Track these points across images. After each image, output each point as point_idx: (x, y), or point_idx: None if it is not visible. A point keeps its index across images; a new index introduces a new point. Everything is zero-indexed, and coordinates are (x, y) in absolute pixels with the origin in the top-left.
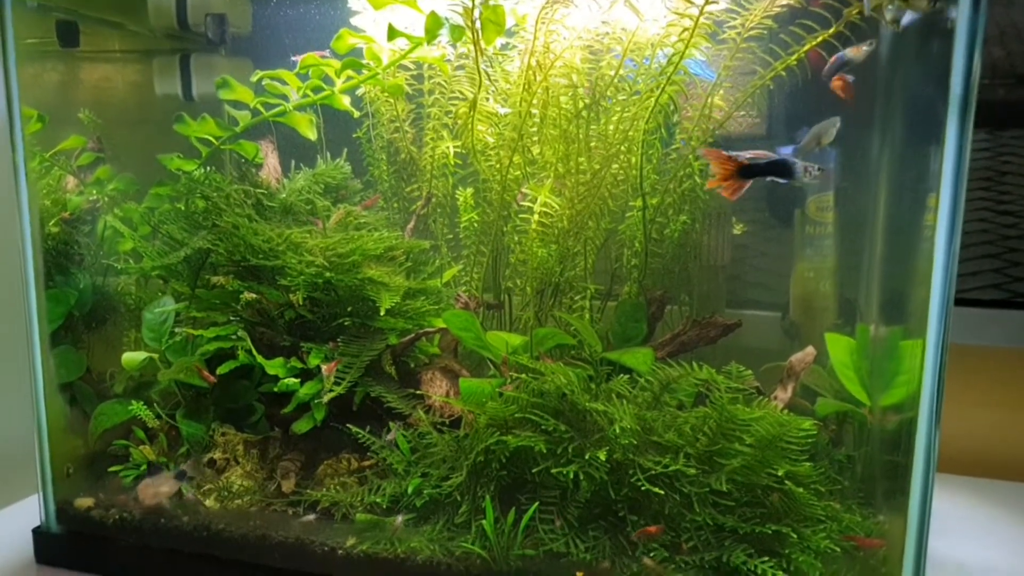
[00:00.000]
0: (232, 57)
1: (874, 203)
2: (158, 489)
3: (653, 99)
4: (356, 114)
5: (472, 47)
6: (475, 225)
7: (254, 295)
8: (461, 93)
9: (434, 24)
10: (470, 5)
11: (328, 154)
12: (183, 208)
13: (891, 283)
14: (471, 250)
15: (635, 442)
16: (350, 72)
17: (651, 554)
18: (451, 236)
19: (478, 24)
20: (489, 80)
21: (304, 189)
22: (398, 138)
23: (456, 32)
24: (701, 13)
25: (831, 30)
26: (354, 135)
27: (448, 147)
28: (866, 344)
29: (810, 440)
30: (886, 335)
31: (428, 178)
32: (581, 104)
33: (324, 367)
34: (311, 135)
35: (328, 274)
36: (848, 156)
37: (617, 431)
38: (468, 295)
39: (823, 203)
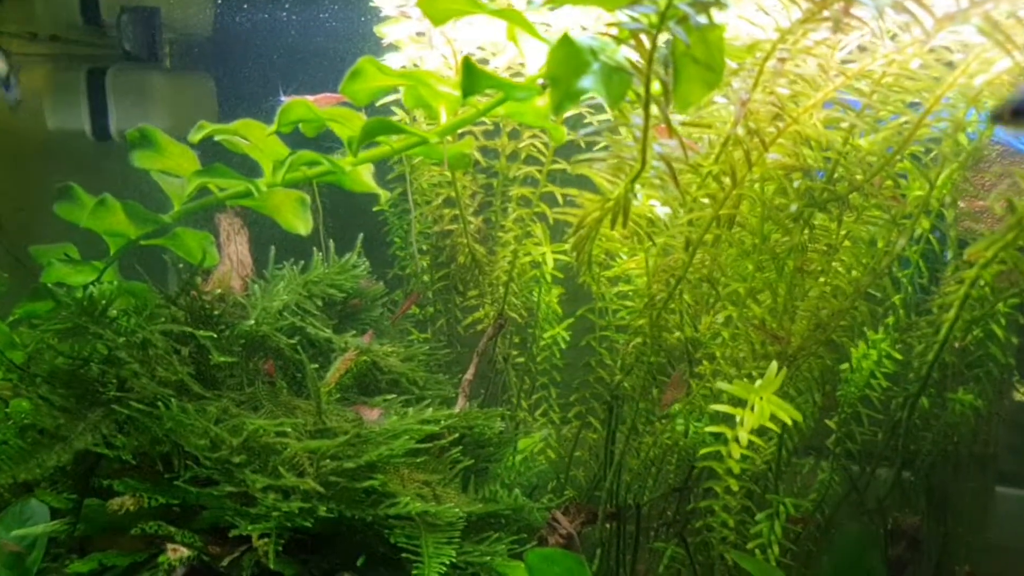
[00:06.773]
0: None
1: None
2: None
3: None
4: (385, 196)
5: (641, 109)
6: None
7: (187, 552)
8: (589, 179)
9: (570, 64)
10: (647, 24)
11: (331, 238)
12: (68, 360)
13: None
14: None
15: None
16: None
17: None
18: (529, 381)
19: (665, 69)
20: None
21: (288, 307)
22: (457, 231)
23: (615, 84)
24: None
25: None
26: (375, 207)
27: (546, 254)
28: None
29: None
30: None
31: (502, 293)
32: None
33: None
34: (301, 227)
35: (324, 508)
36: None
37: None
38: (569, 507)
39: None
